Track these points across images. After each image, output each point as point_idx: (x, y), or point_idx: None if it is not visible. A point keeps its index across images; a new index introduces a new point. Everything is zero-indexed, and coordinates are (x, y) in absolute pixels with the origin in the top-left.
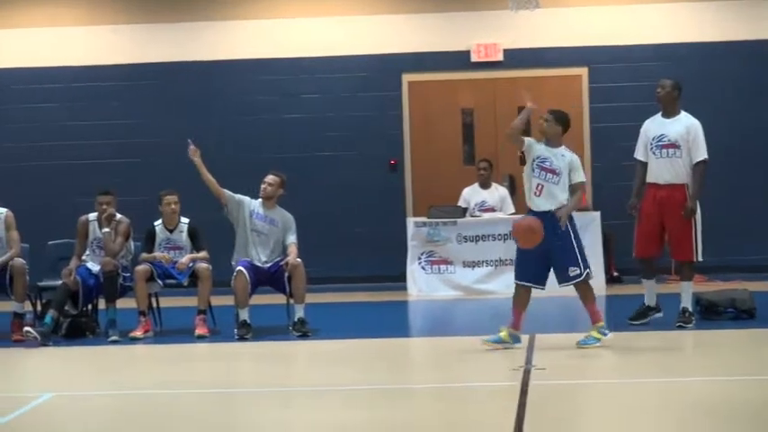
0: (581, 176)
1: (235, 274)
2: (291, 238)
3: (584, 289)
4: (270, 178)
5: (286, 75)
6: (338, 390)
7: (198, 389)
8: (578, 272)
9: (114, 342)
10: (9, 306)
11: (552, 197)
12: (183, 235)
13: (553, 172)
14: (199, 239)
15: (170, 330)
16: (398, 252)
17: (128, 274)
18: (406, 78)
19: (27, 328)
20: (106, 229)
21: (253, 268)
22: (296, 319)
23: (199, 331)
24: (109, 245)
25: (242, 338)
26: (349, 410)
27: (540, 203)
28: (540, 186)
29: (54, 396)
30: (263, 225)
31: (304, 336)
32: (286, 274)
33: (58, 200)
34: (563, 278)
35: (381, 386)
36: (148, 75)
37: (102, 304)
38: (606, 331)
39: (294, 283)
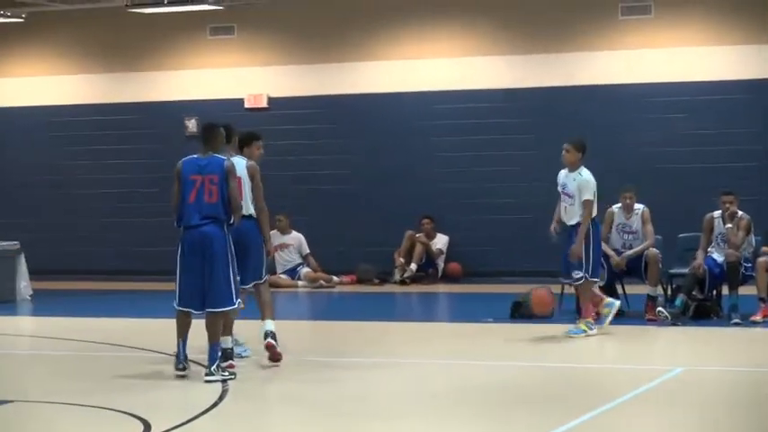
0: (586, 195)
1: None
2: None
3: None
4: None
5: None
6: None
7: None
8: (579, 275)
9: (736, 324)
10: (643, 289)
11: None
12: None
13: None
14: None
15: None
16: None
17: (749, 265)
18: None
19: (659, 309)
20: (729, 225)
21: None
22: None
23: None
24: (732, 238)
25: None
26: None
27: (566, 219)
28: (564, 207)
29: (683, 370)
30: None
31: None
32: None
33: (689, 198)
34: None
35: None
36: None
37: (725, 290)
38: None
39: None
